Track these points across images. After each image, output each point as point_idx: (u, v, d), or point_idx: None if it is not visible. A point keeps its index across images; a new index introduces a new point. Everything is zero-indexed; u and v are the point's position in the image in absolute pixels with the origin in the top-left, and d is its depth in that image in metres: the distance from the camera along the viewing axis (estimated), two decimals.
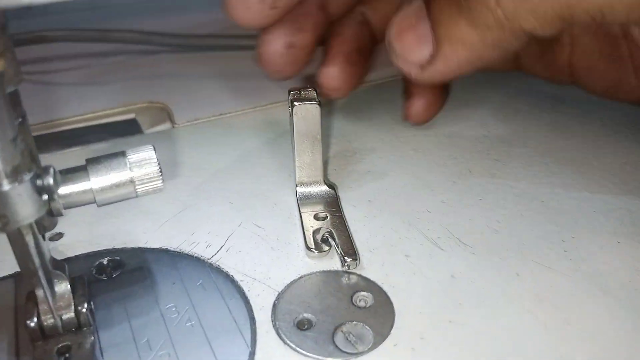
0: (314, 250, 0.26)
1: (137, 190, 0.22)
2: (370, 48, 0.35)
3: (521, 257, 0.26)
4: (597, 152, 0.35)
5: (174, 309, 0.24)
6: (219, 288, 0.25)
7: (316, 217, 0.29)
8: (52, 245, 0.28)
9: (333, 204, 0.29)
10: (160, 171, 0.23)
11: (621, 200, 0.30)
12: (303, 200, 0.30)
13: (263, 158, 0.36)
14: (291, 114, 0.28)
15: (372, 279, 0.25)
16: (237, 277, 0.26)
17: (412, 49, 0.27)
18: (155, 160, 0.23)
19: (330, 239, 0.27)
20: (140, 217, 0.30)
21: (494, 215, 0.29)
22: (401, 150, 0.36)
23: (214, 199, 0.32)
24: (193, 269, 0.26)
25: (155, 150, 0.23)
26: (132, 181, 0.22)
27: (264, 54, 0.32)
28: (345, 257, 0.25)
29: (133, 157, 0.22)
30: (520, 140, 0.37)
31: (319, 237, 0.27)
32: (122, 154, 0.22)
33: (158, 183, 0.23)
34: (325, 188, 0.30)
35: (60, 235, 0.29)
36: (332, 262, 0.26)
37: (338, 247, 0.26)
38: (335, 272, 0.26)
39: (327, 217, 0.28)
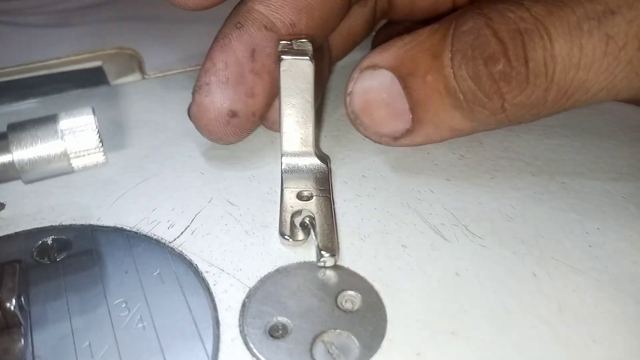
0: (287, 237, 0.22)
1: (72, 164, 0.18)
2: None
3: (538, 253, 0.22)
4: (625, 123, 0.30)
5: (124, 305, 0.20)
6: (180, 280, 0.21)
7: (299, 196, 0.24)
8: None
9: (323, 182, 0.25)
10: (101, 141, 0.18)
11: None
12: (288, 174, 0.25)
13: None
14: (279, 70, 0.23)
15: (361, 274, 0.21)
16: (202, 267, 0.22)
17: (384, 124, 0.23)
18: (94, 127, 0.18)
19: (310, 226, 0.22)
20: (95, 186, 0.26)
21: (506, 198, 0.25)
22: None
23: (182, 168, 0.27)
24: (151, 254, 0.22)
25: (94, 113, 0.18)
26: (64, 154, 0.18)
27: (200, 120, 0.25)
28: (322, 252, 0.21)
29: (66, 123, 0.18)
30: None
31: (298, 221, 0.23)
32: (53, 118, 0.18)
33: (98, 156, 0.18)
34: (316, 161, 0.26)
35: (1, 206, 0.25)
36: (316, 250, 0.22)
37: (317, 237, 0.22)
38: (314, 264, 0.22)
39: (312, 196, 0.24)
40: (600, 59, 0.19)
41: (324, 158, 0.26)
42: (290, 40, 0.24)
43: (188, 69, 0.38)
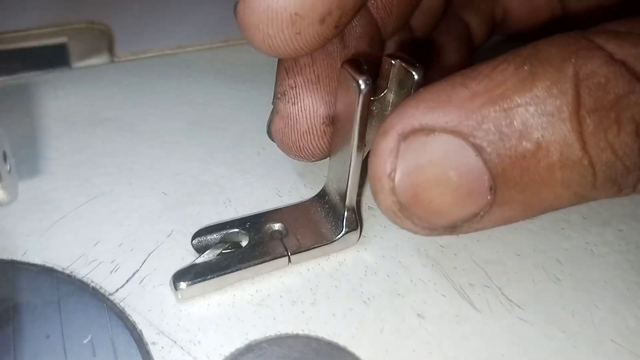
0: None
1: None
2: None
3: (594, 333, 0.17)
4: None
5: None
6: (117, 353, 0.16)
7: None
8: None
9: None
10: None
11: None
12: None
13: (227, 122, 0.25)
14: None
15: (362, 357, 0.16)
16: (148, 336, 0.16)
17: (447, 212, 0.15)
18: None
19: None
20: (26, 205, 0.20)
21: (552, 250, 0.19)
22: None
23: (140, 184, 0.21)
24: (84, 311, 0.17)
25: (5, 137, 0.13)
26: None
27: (289, 135, 0.19)
28: None
29: None
30: None
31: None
32: None
33: None
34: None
35: None
36: (305, 318, 0.17)
37: None
38: (306, 339, 0.16)
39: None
40: None
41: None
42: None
43: (167, 52, 0.32)
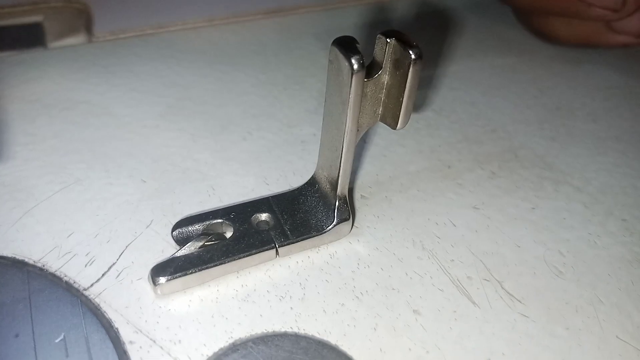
0: None
1: None
2: None
3: (599, 330, 0.16)
4: None
5: None
6: (91, 353, 0.15)
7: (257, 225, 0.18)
8: None
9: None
10: None
11: None
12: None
13: (210, 105, 0.24)
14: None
15: (354, 356, 0.15)
16: (125, 334, 0.15)
17: None
18: None
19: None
20: None
21: (553, 241, 0.19)
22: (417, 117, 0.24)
23: (117, 171, 0.20)
24: (56, 307, 0.16)
25: None
26: None
27: None
28: None
29: None
30: (585, 111, 0.25)
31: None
32: None
33: None
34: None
35: None
36: (294, 314, 0.16)
37: None
38: (295, 338, 0.15)
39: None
40: None
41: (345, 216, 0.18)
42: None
43: (147, 31, 0.30)
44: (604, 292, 0.17)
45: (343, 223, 0.17)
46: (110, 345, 0.15)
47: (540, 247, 0.18)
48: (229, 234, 0.17)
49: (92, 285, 0.16)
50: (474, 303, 0.16)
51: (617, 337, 0.16)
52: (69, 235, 0.18)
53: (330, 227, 0.17)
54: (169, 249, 0.17)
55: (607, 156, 0.23)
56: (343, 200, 0.17)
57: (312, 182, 0.18)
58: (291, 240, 0.17)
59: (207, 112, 0.23)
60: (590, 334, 0.16)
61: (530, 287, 0.17)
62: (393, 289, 0.17)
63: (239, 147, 0.22)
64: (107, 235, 0.18)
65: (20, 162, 0.20)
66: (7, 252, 0.17)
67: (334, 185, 0.17)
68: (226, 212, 0.18)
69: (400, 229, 0.18)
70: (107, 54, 0.27)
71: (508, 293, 0.17)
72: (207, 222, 0.17)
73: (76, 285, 0.16)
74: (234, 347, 0.15)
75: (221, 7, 0.32)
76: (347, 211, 0.18)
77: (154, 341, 0.15)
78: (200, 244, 0.16)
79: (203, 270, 0.16)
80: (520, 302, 0.17)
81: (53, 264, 0.17)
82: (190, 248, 0.16)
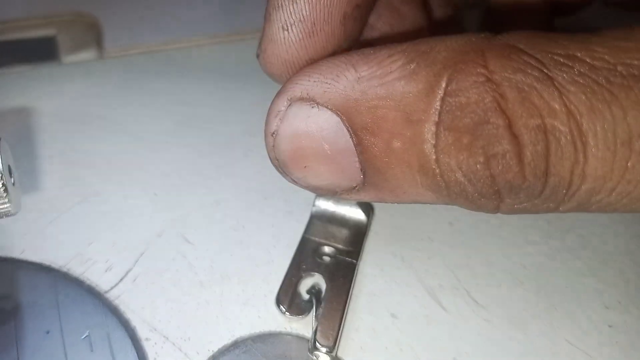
0: (284, 308, 0.18)
1: None
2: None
3: (552, 333, 0.18)
4: None
5: None
6: (113, 349, 0.17)
7: (318, 252, 0.20)
8: None
9: (354, 240, 0.20)
10: (6, 188, 0.14)
11: None
12: (316, 218, 0.21)
13: (215, 122, 0.26)
14: None
15: (339, 354, 0.17)
16: (142, 332, 0.17)
17: (323, 178, 0.16)
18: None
19: (314, 300, 0.18)
20: (23, 206, 0.21)
21: (518, 255, 0.21)
22: None
23: (130, 185, 0.22)
24: (81, 308, 0.18)
25: (9, 151, 0.14)
26: None
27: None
28: (318, 343, 0.17)
29: None
30: None
31: (304, 287, 0.19)
32: None
33: (4, 205, 0.14)
34: (356, 211, 0.21)
35: None
36: (285, 319, 0.18)
37: (317, 319, 0.17)
38: (288, 337, 0.18)
39: (334, 256, 0.20)
40: None
41: (366, 208, 0.21)
42: None
43: (154, 48, 0.32)
44: (558, 301, 0.20)
45: None
46: (129, 341, 0.17)
47: (507, 260, 0.21)
48: None
49: (111, 289, 0.19)
50: (443, 308, 0.19)
51: (566, 340, 0.18)
52: (90, 244, 0.20)
53: None
54: (178, 257, 0.20)
55: None
56: None
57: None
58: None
59: (212, 129, 0.26)
60: (544, 337, 0.18)
61: (494, 296, 0.19)
62: (374, 295, 0.19)
63: (241, 164, 0.24)
64: (123, 244, 0.20)
65: (42, 174, 0.23)
66: (35, 259, 0.19)
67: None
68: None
69: (383, 244, 0.21)
70: (118, 70, 0.30)
71: (474, 300, 0.19)
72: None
73: (97, 289, 0.19)
74: (236, 344, 0.17)
75: (224, 25, 0.34)
76: None
77: (167, 338, 0.17)
78: None
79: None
80: (484, 308, 0.19)
81: (76, 270, 0.19)
82: None
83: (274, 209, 0.22)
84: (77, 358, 0.17)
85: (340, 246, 0.20)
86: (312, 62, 0.16)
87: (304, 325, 0.18)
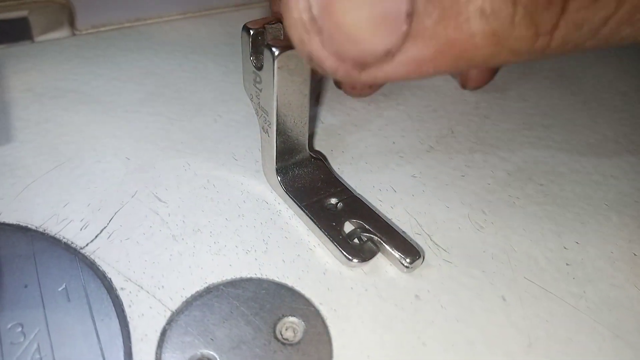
0: (357, 260, 0.19)
1: None
2: None
3: (510, 272, 0.19)
4: (612, 116, 0.27)
5: (19, 330, 0.17)
6: (89, 299, 0.18)
7: (325, 205, 0.21)
8: None
9: (331, 182, 0.22)
10: None
11: None
12: (288, 184, 0.21)
13: (185, 92, 0.27)
14: (273, 67, 0.18)
15: (307, 295, 0.18)
16: (117, 282, 0.18)
17: (359, 35, 0.13)
18: None
19: (372, 242, 0.20)
20: (0, 173, 0.22)
21: (477, 202, 0.22)
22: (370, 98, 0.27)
23: (103, 150, 0.23)
24: (57, 263, 0.19)
25: None
26: None
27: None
28: (406, 258, 0.19)
29: None
30: (518, 92, 0.29)
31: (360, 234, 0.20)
32: None
33: None
34: (314, 164, 0.22)
35: None
36: (257, 264, 0.19)
37: (391, 249, 0.19)
38: (258, 281, 0.18)
39: (338, 203, 0.21)
40: None
41: (319, 158, 0.22)
42: (262, 26, 0.18)
43: (126, 24, 0.33)
44: (516, 242, 0.21)
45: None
46: (105, 291, 0.18)
47: (466, 207, 0.22)
48: None
49: (87, 245, 0.19)
50: None
51: (524, 277, 0.19)
52: (65, 205, 0.21)
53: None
54: (151, 215, 0.20)
55: (533, 130, 0.26)
56: None
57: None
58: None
59: (182, 98, 0.26)
60: (502, 275, 0.19)
61: (455, 239, 0.20)
62: None
63: (210, 128, 0.25)
64: (97, 204, 0.21)
65: (17, 144, 0.23)
66: (12, 220, 0.20)
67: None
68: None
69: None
70: (89, 46, 0.30)
71: (435, 244, 0.20)
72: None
73: (74, 245, 0.19)
74: (208, 290, 0.18)
75: (193, 1, 0.35)
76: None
77: (141, 287, 0.18)
78: None
79: None
80: (446, 251, 0.20)
81: (52, 229, 0.20)
82: None
83: (243, 168, 0.23)
84: (55, 308, 0.17)
85: (334, 198, 0.21)
86: None
87: (271, 271, 0.19)
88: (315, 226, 0.20)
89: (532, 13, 0.13)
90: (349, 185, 0.22)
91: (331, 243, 0.19)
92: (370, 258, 0.19)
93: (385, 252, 0.19)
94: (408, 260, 0.19)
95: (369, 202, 0.21)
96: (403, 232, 0.20)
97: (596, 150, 0.25)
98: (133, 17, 0.33)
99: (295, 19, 0.13)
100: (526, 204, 0.22)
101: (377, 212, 0.20)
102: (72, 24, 0.33)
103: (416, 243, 0.20)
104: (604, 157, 0.25)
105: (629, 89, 0.29)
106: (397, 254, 0.19)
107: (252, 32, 0.18)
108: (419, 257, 0.19)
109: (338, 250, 0.19)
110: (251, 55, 0.18)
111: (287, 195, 0.21)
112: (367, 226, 0.20)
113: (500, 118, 0.27)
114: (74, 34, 0.32)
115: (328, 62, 0.14)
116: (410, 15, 0.13)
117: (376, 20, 0.13)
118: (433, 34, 0.13)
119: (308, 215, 0.20)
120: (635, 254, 0.20)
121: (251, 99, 0.20)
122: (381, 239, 0.19)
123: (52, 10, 0.34)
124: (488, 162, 0.24)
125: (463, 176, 0.23)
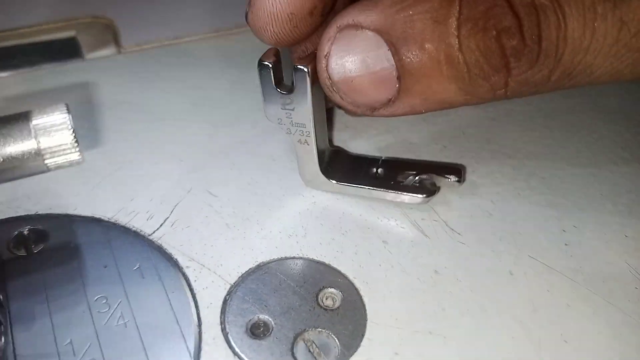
0: (425, 195, 0.24)
1: (47, 163, 0.17)
2: None
3: (516, 251, 0.23)
4: (608, 117, 0.30)
5: (104, 302, 0.20)
6: (160, 275, 0.21)
7: (372, 175, 0.25)
8: None
9: (361, 160, 0.26)
10: (76, 140, 0.18)
11: (633, 183, 0.26)
12: (335, 177, 0.24)
13: (225, 102, 0.30)
14: (304, 84, 0.21)
15: (343, 271, 0.21)
16: (183, 262, 0.22)
17: (365, 92, 0.20)
18: (69, 125, 0.17)
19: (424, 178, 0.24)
20: (71, 173, 0.25)
21: (487, 194, 0.25)
22: None
23: (160, 154, 0.27)
24: (130, 247, 0.22)
25: (69, 110, 0.18)
26: (38, 153, 0.17)
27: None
28: (456, 177, 0.25)
29: (40, 121, 0.17)
30: (522, 98, 0.32)
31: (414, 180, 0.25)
32: (26, 116, 0.17)
33: (73, 155, 0.18)
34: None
35: None
36: (299, 246, 0.22)
37: (441, 176, 0.25)
38: (301, 260, 0.22)
39: (377, 170, 0.25)
40: (611, 45, 0.17)
41: (340, 148, 0.27)
42: (274, 56, 0.21)
43: (166, 43, 0.36)
44: (522, 226, 0.24)
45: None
46: (173, 269, 0.21)
47: (476, 198, 0.25)
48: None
49: (154, 232, 0.23)
50: (425, 235, 0.23)
51: (528, 255, 0.23)
52: (131, 200, 0.24)
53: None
54: (206, 207, 0.24)
55: (536, 131, 0.29)
56: None
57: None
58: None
59: (223, 107, 0.30)
60: (509, 254, 0.23)
61: (467, 225, 0.24)
62: (368, 228, 0.23)
63: (250, 133, 0.28)
64: (159, 199, 0.24)
65: (82, 148, 0.27)
66: (87, 213, 0.23)
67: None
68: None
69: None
70: (136, 62, 0.34)
71: (450, 228, 0.23)
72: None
73: (142, 233, 0.23)
74: (259, 267, 0.21)
75: (225, 21, 0.38)
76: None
77: (203, 265, 0.21)
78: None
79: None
80: (459, 234, 0.23)
81: (122, 220, 0.23)
82: None
83: (281, 167, 0.26)
84: (132, 283, 0.21)
85: (373, 168, 0.26)
86: (293, 17, 0.20)
87: (311, 252, 0.22)
88: (380, 192, 0.24)
89: (486, 77, 0.18)
90: (375, 156, 0.26)
91: (401, 194, 0.24)
92: (434, 192, 0.24)
93: (439, 180, 0.25)
94: (457, 177, 0.24)
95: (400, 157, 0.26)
96: (438, 161, 0.26)
97: (593, 147, 0.28)
98: (172, 35, 0.36)
99: (322, 82, 0.20)
100: (530, 195, 0.25)
101: (410, 160, 0.25)
102: (117, 42, 0.36)
103: (454, 163, 0.26)
104: (599, 154, 0.28)
105: (624, 92, 0.32)
106: (449, 178, 0.24)
107: (271, 65, 0.21)
108: (464, 170, 0.24)
109: (410, 196, 0.23)
110: (276, 85, 0.21)
111: (340, 185, 0.24)
112: (413, 172, 0.25)
113: (507, 120, 0.30)
114: (120, 52, 0.36)
115: (348, 108, 0.21)
116: (399, 78, 0.19)
117: (376, 82, 0.19)
118: (418, 90, 0.19)
119: (369, 188, 0.24)
120: (626, 236, 0.23)
121: (279, 123, 0.22)
122: (431, 175, 0.24)
123: (98, 29, 0.38)
124: (495, 159, 0.27)
125: (473, 171, 0.26)
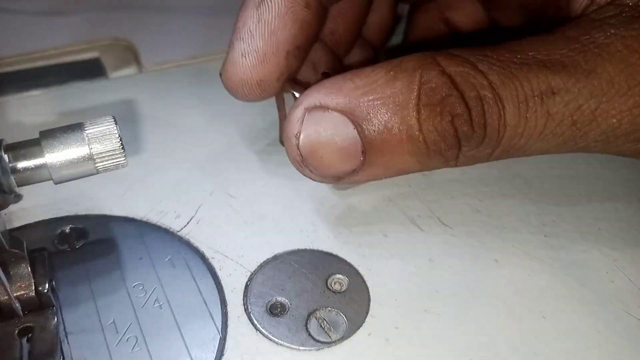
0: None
1: (97, 167, 0.21)
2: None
3: (501, 242, 0.26)
4: None
5: (141, 288, 0.23)
6: (189, 265, 0.24)
7: None
8: (11, 209, 0.27)
9: None
10: (122, 146, 0.21)
11: (605, 182, 0.29)
12: None
13: (240, 115, 0.34)
14: None
15: (348, 260, 0.24)
16: (208, 254, 0.25)
17: (333, 166, 0.22)
18: (117, 134, 0.20)
19: None
20: (104, 178, 0.28)
21: (475, 193, 0.28)
22: None
23: (182, 161, 0.30)
24: (161, 242, 0.25)
25: (116, 122, 0.21)
26: (91, 158, 0.20)
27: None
28: None
29: (92, 130, 0.20)
30: None
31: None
32: (80, 127, 0.20)
33: (120, 159, 0.21)
34: None
35: (19, 198, 0.27)
36: (309, 239, 0.25)
37: None
38: (311, 251, 0.25)
39: None
40: (540, 132, 0.21)
41: None
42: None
43: (183, 62, 0.40)
44: (506, 221, 0.27)
45: None
46: (200, 260, 0.24)
47: (466, 197, 0.28)
48: None
49: (181, 229, 0.26)
50: (421, 229, 0.26)
51: (512, 246, 0.26)
52: (160, 202, 0.27)
53: None
54: (226, 208, 0.27)
55: None
56: None
57: None
58: None
59: (239, 120, 0.33)
60: (495, 244, 0.26)
61: (458, 220, 0.27)
62: (370, 223, 0.26)
63: (263, 143, 0.31)
64: (185, 200, 0.27)
65: None
66: (121, 213, 0.27)
67: None
68: None
69: (377, 189, 0.28)
70: (157, 81, 0.37)
71: (443, 223, 0.26)
72: None
73: (171, 230, 0.26)
74: (275, 257, 0.24)
75: None
76: None
77: (227, 256, 0.24)
78: None
79: None
80: (451, 227, 0.26)
81: (153, 218, 0.26)
82: None
83: (292, 172, 0.29)
84: (165, 272, 0.24)
85: None
86: (262, 83, 0.24)
87: (320, 244, 0.25)
88: None
89: (442, 152, 0.21)
90: None
91: None
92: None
93: None
94: None
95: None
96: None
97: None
98: (189, 54, 0.40)
99: (292, 158, 0.22)
100: (514, 194, 0.28)
101: None
102: (138, 62, 0.40)
103: None
104: (577, 157, 0.31)
105: None
106: None
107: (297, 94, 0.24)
108: None
109: None
110: None
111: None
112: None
113: None
114: (141, 71, 0.39)
115: (316, 179, 0.23)
116: (364, 152, 0.21)
117: (343, 156, 0.21)
118: (381, 162, 0.22)
119: None
120: (599, 228, 0.26)
121: None
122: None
123: (119, 50, 0.41)
124: (483, 164, 0.30)
125: (463, 174, 0.29)
